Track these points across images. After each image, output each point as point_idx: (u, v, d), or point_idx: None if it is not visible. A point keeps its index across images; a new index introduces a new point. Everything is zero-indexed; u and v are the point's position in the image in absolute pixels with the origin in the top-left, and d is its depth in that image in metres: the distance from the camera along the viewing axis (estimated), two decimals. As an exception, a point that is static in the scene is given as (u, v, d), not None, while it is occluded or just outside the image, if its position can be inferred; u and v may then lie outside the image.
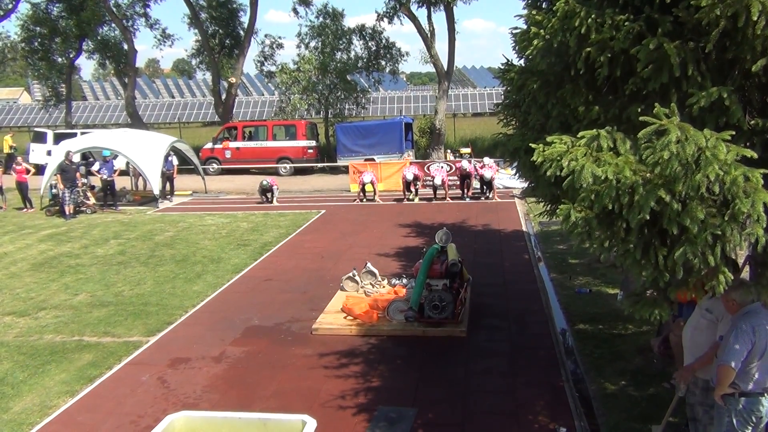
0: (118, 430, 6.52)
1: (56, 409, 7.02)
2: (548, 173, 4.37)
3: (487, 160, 20.24)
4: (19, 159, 21.63)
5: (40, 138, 29.08)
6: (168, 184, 21.92)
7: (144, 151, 20.38)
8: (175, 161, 22.19)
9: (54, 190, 19.91)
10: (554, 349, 8.20)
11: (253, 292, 10.97)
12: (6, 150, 29.45)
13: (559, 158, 4.33)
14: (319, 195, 22.43)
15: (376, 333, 8.84)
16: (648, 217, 4.00)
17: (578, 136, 4.41)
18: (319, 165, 28.58)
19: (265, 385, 7.43)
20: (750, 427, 4.67)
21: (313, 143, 28.50)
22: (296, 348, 8.51)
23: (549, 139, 4.56)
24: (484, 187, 20.12)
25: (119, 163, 22.11)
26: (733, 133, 3.95)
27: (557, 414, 6.53)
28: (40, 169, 22.70)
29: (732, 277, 4.23)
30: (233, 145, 28.08)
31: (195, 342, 8.81)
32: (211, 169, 27.48)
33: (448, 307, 8.74)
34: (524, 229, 15.54)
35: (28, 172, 20.30)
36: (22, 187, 20.14)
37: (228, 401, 7.03)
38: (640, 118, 4.07)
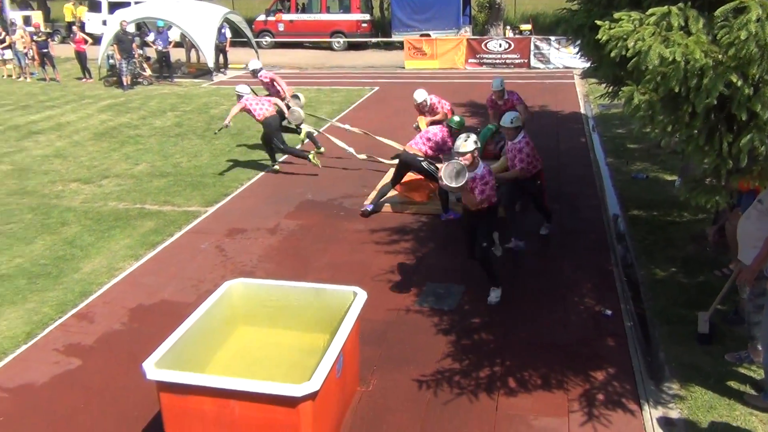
0: (181, 293, 6.92)
1: (122, 271, 7.47)
2: (613, 53, 4.18)
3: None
4: (75, 28, 21.73)
5: (95, 7, 29.00)
6: (222, 57, 21.81)
7: (197, 23, 20.18)
8: (228, 33, 21.93)
9: (111, 61, 20.11)
10: (605, 234, 8.18)
11: (306, 166, 11.11)
12: (69, 18, 29.54)
13: (625, 37, 4.11)
14: (373, 71, 22.03)
15: (427, 212, 8.94)
16: (716, 102, 3.83)
17: (648, 13, 4.16)
18: (374, 40, 27.86)
19: (318, 257, 7.70)
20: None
21: (368, 17, 27.59)
22: (348, 223, 8.70)
23: (616, 15, 4.31)
24: None
25: (174, 35, 21.98)
26: (821, 12, 3.66)
27: (604, 297, 6.62)
28: (96, 40, 22.79)
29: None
30: (286, 17, 27.47)
31: (251, 214, 9.09)
32: (264, 43, 27.12)
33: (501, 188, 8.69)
34: (583, 111, 15.09)
35: (85, 42, 20.45)
36: (80, 57, 20.40)
37: (282, 271, 7.33)
38: (719, -5, 3.81)
